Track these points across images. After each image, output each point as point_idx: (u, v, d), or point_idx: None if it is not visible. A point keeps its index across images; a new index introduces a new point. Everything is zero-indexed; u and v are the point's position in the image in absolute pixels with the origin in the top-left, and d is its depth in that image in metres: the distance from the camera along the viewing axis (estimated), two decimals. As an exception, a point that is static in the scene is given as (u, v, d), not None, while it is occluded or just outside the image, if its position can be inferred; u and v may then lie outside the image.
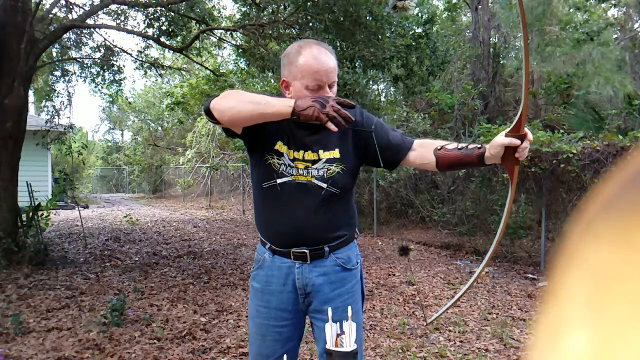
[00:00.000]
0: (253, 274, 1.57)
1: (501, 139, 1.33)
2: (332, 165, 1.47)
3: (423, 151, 1.49)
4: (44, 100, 9.44)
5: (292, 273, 1.49)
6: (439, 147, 1.46)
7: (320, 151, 1.47)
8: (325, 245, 1.49)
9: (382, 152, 1.49)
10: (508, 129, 1.34)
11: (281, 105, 1.27)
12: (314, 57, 1.38)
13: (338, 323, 1.25)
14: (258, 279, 1.54)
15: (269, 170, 1.46)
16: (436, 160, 1.46)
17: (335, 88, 1.44)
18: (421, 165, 1.53)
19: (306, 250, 1.47)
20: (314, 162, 1.46)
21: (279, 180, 1.45)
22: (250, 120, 1.34)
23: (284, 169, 1.45)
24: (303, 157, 1.46)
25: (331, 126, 1.22)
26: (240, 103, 1.32)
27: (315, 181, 1.45)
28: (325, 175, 1.46)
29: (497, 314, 4.07)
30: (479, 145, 1.42)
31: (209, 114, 1.37)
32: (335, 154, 1.48)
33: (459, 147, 1.44)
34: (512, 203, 1.36)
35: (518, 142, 1.31)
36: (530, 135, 1.32)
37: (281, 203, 1.47)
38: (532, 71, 10.93)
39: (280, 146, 1.46)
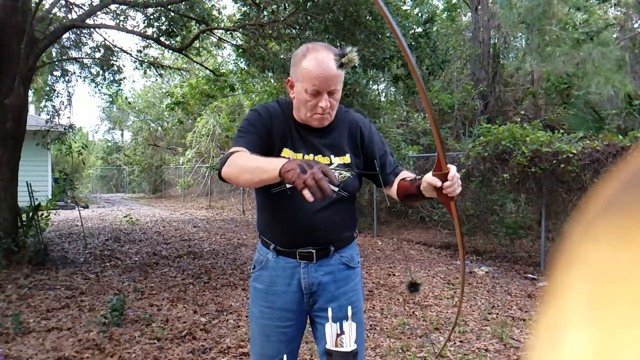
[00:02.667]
0: (255, 274, 1.57)
1: (426, 177, 1.34)
2: (343, 170, 1.49)
3: (396, 182, 1.56)
4: (43, 100, 9.42)
5: (297, 273, 1.50)
6: (401, 178, 1.52)
7: (332, 156, 1.49)
8: (330, 245, 1.51)
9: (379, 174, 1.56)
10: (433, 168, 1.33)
11: (272, 169, 1.22)
12: (317, 63, 1.37)
13: (338, 323, 1.25)
14: (261, 279, 1.54)
15: None
16: (397, 189, 1.52)
17: (337, 95, 1.43)
18: (392, 194, 1.58)
19: (313, 250, 1.49)
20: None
21: (288, 185, 1.45)
22: (252, 185, 1.35)
23: None
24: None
25: (306, 194, 1.15)
26: (240, 174, 1.31)
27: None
28: (337, 179, 1.48)
29: (497, 314, 4.07)
30: (420, 177, 1.42)
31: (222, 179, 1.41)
32: (346, 159, 1.51)
33: (410, 178, 1.48)
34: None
35: (438, 183, 1.29)
36: (452, 173, 1.28)
37: (290, 206, 1.47)
38: (532, 71, 10.94)
39: (286, 152, 1.47)
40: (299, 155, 1.47)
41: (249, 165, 1.29)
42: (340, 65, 1.34)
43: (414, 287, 1.52)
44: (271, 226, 1.54)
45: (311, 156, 1.47)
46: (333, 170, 1.47)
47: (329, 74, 1.37)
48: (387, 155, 1.59)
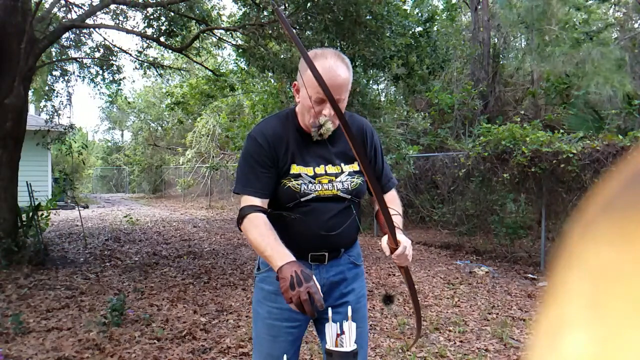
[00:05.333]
0: (262, 276, 1.57)
1: (382, 240, 1.44)
2: (354, 178, 1.51)
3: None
4: (42, 100, 9.43)
5: None
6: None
7: (342, 164, 1.51)
8: (341, 247, 1.56)
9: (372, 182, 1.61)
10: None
11: (273, 265, 1.30)
12: (324, 71, 1.34)
13: (338, 323, 1.25)
14: (269, 280, 1.54)
15: (290, 192, 1.47)
16: (375, 213, 1.59)
17: (342, 104, 1.41)
18: (374, 207, 1.66)
19: (325, 253, 1.52)
20: (337, 175, 1.50)
21: (303, 199, 1.47)
22: None
23: (306, 187, 1.46)
24: (325, 171, 1.49)
25: (292, 305, 1.23)
26: (251, 244, 1.42)
27: (341, 194, 1.49)
28: (349, 187, 1.50)
29: (497, 314, 4.07)
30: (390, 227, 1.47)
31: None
32: (355, 166, 1.52)
33: (388, 214, 1.52)
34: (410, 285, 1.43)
35: (387, 252, 1.40)
36: (398, 252, 1.37)
37: (305, 214, 1.48)
38: (532, 71, 10.94)
39: (295, 168, 1.47)
40: (309, 169, 1.47)
41: (258, 246, 1.37)
42: (320, 136, 1.42)
43: (388, 299, 1.56)
44: (283, 233, 1.50)
45: (322, 167, 1.48)
46: (345, 179, 1.49)
47: (335, 83, 1.35)
48: (384, 170, 1.64)
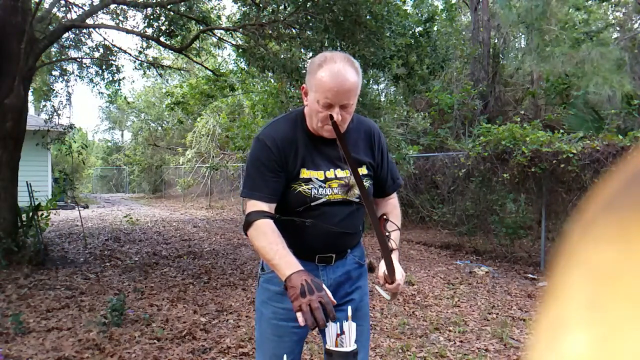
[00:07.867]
0: (267, 276, 1.56)
1: (380, 265, 1.48)
2: (363, 181, 1.50)
3: (381, 207, 1.66)
4: (42, 100, 9.43)
5: (316, 276, 1.50)
6: (383, 215, 1.62)
7: None
8: (348, 248, 1.58)
9: (381, 183, 1.64)
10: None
11: (281, 274, 1.31)
12: (332, 75, 1.33)
13: (338, 323, 1.25)
14: (276, 281, 1.51)
15: (300, 197, 1.46)
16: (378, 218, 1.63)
17: (350, 109, 1.40)
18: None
19: (333, 255, 1.53)
20: (346, 179, 1.50)
21: (313, 204, 1.47)
22: None
23: (316, 191, 1.46)
24: (335, 175, 1.49)
25: (299, 318, 1.21)
26: (257, 251, 1.42)
27: (350, 197, 1.50)
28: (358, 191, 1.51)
29: (497, 314, 4.07)
30: (391, 248, 1.52)
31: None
32: (364, 170, 1.52)
33: (388, 232, 1.57)
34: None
35: (380, 281, 1.49)
36: (392, 287, 1.46)
37: (315, 218, 1.48)
38: (532, 71, 10.93)
39: (305, 173, 1.46)
40: (320, 173, 1.46)
41: (265, 254, 1.37)
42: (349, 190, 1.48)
43: (370, 269, 1.60)
44: (292, 235, 1.49)
45: (332, 171, 1.48)
46: (354, 183, 1.48)
47: (343, 88, 1.34)
48: (389, 172, 1.64)
